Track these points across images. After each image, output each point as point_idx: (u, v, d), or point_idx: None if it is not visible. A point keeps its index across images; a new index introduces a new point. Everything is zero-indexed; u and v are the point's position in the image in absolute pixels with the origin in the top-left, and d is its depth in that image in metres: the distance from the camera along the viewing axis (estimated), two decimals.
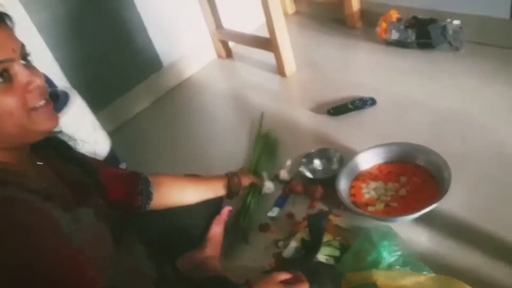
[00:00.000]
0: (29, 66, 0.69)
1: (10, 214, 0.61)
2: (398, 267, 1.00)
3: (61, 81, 1.74)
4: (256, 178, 1.37)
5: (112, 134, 1.88)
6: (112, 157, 1.66)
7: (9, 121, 0.65)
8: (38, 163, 0.78)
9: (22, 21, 1.59)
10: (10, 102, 0.65)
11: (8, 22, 0.68)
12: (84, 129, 1.53)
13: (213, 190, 1.22)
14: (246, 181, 1.31)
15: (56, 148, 0.85)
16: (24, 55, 0.69)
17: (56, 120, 0.73)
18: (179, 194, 1.15)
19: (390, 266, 1.00)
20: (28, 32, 1.60)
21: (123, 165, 1.69)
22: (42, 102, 0.69)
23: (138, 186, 1.07)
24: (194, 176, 1.23)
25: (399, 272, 0.97)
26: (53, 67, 1.72)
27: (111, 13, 1.88)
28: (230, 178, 1.25)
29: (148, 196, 1.07)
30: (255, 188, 1.36)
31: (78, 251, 0.67)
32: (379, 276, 0.95)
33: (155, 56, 2.08)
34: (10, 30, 0.68)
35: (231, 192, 1.25)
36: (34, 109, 0.68)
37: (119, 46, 1.95)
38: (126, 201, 1.04)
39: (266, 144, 1.54)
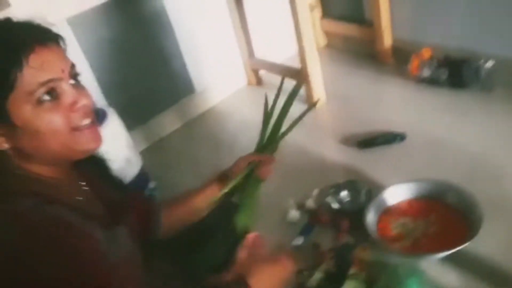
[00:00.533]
0: (77, 86, 0.71)
1: (54, 235, 0.63)
2: None
3: (100, 100, 1.81)
4: (258, 154, 1.10)
5: (143, 153, 1.94)
6: (143, 176, 1.70)
7: (53, 139, 0.67)
8: (79, 182, 0.81)
9: (69, 42, 1.69)
10: (55, 120, 0.66)
11: (61, 43, 0.71)
12: (118, 147, 1.59)
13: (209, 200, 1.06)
14: (241, 165, 1.06)
15: (95, 166, 0.87)
16: (75, 75, 0.71)
17: (100, 141, 0.74)
18: (179, 220, 1.07)
19: None
20: (74, 52, 1.68)
21: (152, 184, 1.73)
22: (86, 122, 0.71)
23: (155, 214, 1.03)
24: (186, 194, 1.08)
25: None
26: (94, 86, 1.80)
27: (151, 39, 1.96)
28: (222, 179, 1.07)
29: (158, 225, 1.02)
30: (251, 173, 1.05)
31: (114, 270, 0.69)
32: None
33: (188, 80, 2.15)
34: (61, 51, 0.70)
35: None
36: (78, 128, 0.69)
37: (156, 69, 2.02)
38: (144, 225, 1.00)
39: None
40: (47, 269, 0.61)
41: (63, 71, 0.68)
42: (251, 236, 1.24)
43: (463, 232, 1.18)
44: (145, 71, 1.99)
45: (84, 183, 0.82)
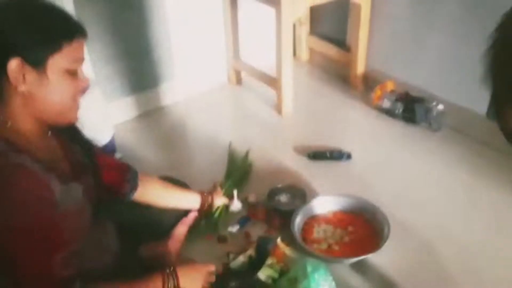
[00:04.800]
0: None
1: (16, 179, 0.82)
2: None
3: (87, 70, 1.94)
4: (227, 200, 1.56)
5: (117, 126, 2.08)
6: (111, 146, 1.85)
7: (59, 99, 0.89)
8: (52, 141, 0.99)
9: (68, 11, 1.83)
10: (67, 87, 0.89)
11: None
12: (94, 115, 1.73)
13: (188, 202, 1.42)
14: (218, 201, 1.51)
15: (68, 130, 1.04)
16: None
17: (78, 116, 0.97)
18: (159, 196, 1.35)
19: None
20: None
21: (118, 155, 1.88)
22: (79, 98, 0.94)
23: (127, 175, 1.25)
24: (176, 185, 1.43)
25: None
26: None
27: (145, 21, 2.11)
28: (205, 197, 1.45)
29: (134, 187, 1.26)
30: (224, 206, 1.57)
31: (62, 218, 0.88)
32: None
33: (171, 67, 2.30)
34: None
35: (203, 209, 1.45)
36: (75, 101, 0.92)
37: (143, 50, 2.17)
38: (115, 186, 1.23)
39: (240, 167, 1.73)
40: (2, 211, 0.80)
41: (84, 58, 0.93)
42: (192, 214, 1.42)
43: (371, 245, 1.37)
44: (133, 49, 2.13)
45: (54, 141, 0.99)
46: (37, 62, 0.84)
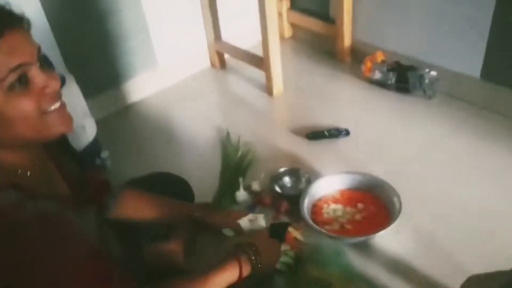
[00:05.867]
0: (45, 69, 0.69)
1: (44, 232, 0.65)
2: None
3: (59, 64, 1.82)
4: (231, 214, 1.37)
5: (99, 122, 1.96)
6: (96, 144, 1.74)
7: (24, 125, 0.67)
8: (48, 163, 0.82)
9: (33, 6, 1.69)
10: (25, 105, 0.66)
11: (26, 25, 0.68)
12: (74, 113, 1.60)
13: (175, 216, 1.26)
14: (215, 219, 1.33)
15: (57, 141, 0.88)
16: (40, 57, 0.69)
17: (70, 123, 0.75)
18: (142, 213, 1.18)
19: None
20: (36, 16, 1.68)
21: (105, 153, 1.77)
22: (56, 105, 0.70)
23: (107, 192, 1.08)
24: (165, 200, 1.24)
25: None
26: (53, 49, 1.80)
27: (118, 8, 1.98)
28: (196, 215, 1.28)
29: (107, 210, 1.08)
30: (231, 193, 1.51)
31: (96, 247, 0.75)
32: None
33: (151, 54, 2.18)
34: (27, 33, 0.68)
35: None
36: (48, 112, 0.69)
37: (120, 40, 2.04)
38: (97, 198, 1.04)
39: (240, 155, 1.67)
40: (39, 265, 0.63)
41: (32, 55, 0.67)
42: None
43: (384, 221, 1.32)
44: (109, 40, 2.01)
45: (51, 164, 0.83)
46: None
